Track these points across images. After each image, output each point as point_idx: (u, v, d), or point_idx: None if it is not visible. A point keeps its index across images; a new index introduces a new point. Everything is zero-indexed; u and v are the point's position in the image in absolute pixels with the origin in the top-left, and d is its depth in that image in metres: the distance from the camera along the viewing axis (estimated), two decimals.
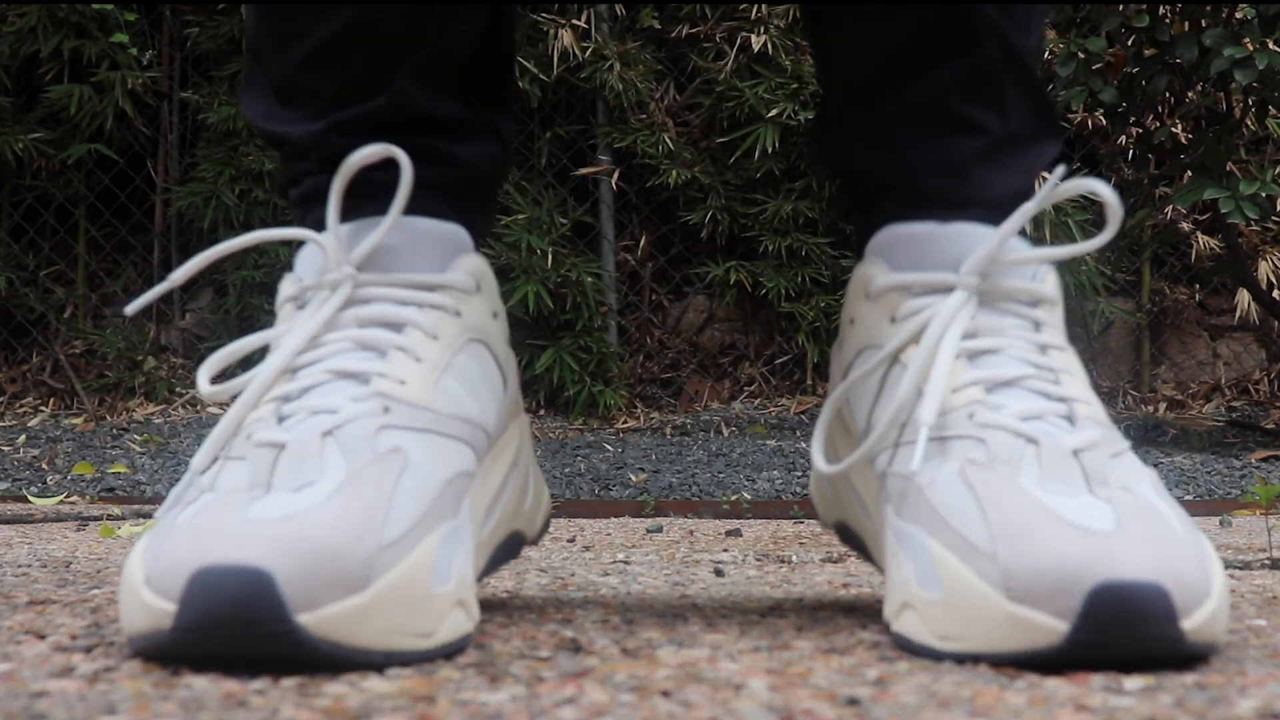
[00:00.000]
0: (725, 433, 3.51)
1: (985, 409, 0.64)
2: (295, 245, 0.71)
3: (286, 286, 0.70)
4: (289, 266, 0.71)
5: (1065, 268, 3.29)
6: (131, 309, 0.70)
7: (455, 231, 0.71)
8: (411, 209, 0.67)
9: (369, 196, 0.68)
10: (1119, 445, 0.64)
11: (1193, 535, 0.59)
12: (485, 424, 0.69)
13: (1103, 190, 0.64)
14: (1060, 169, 0.65)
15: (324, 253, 0.68)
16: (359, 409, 0.62)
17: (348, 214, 0.68)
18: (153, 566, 0.55)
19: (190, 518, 0.57)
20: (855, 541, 0.74)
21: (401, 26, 0.69)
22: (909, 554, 0.63)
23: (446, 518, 0.61)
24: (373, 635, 0.54)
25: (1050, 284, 0.69)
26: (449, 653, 0.58)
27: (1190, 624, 0.55)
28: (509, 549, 0.73)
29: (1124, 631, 0.54)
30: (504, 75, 0.75)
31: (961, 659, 0.57)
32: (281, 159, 0.75)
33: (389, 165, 0.67)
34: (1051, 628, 0.54)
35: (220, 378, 0.68)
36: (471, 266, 0.70)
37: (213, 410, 3.65)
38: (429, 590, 0.57)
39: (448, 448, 0.64)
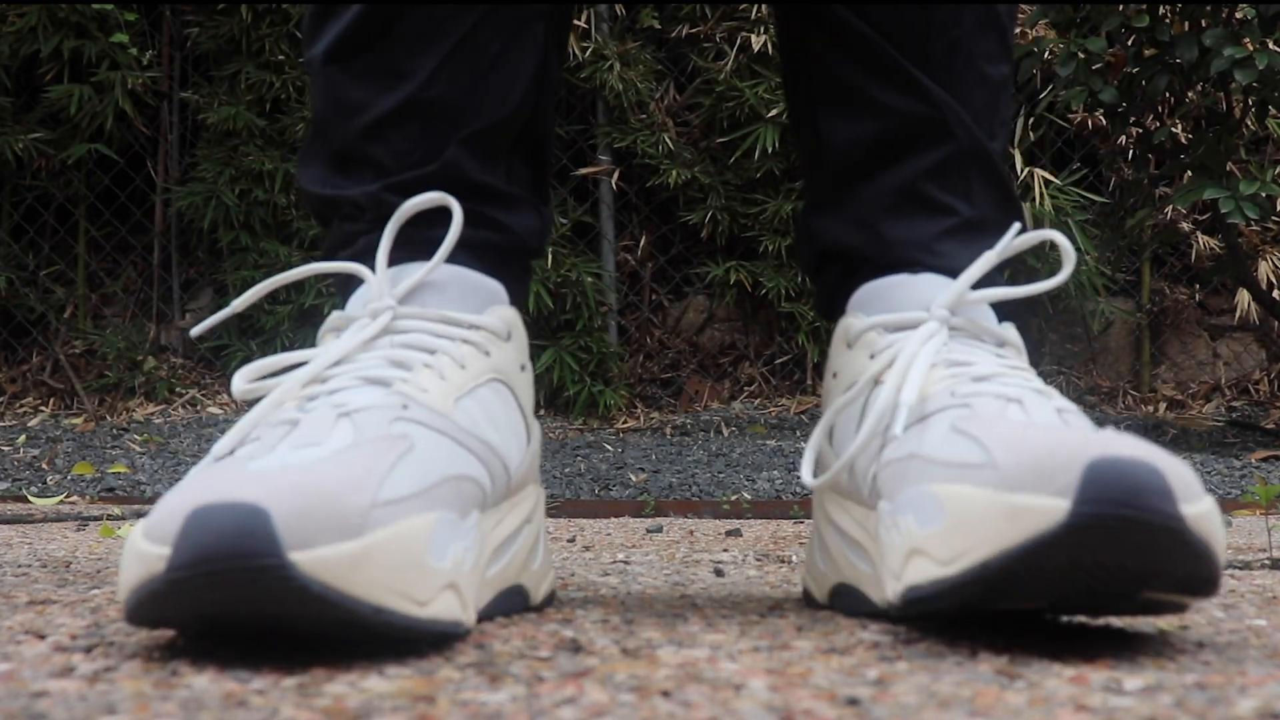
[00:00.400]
0: (725, 433, 3.51)
1: (965, 387, 0.68)
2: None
3: (330, 321, 0.74)
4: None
5: None
6: (196, 331, 0.75)
7: (494, 285, 0.76)
8: (456, 262, 0.73)
9: (417, 252, 0.73)
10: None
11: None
12: (505, 457, 0.72)
13: (1057, 238, 0.71)
14: (1016, 225, 0.74)
15: (369, 286, 0.72)
16: (379, 401, 0.65)
17: (396, 263, 0.73)
18: (150, 521, 0.55)
19: (191, 478, 0.59)
20: (855, 596, 0.73)
21: (454, 105, 0.76)
22: (907, 510, 0.64)
23: (447, 509, 0.63)
24: (364, 585, 0.54)
25: (1011, 332, 0.75)
26: (440, 633, 0.59)
27: (1189, 510, 0.55)
28: (512, 599, 0.73)
29: (1124, 501, 0.54)
30: (542, 163, 0.81)
31: (969, 577, 0.57)
32: (335, 224, 0.79)
33: (438, 224, 0.72)
34: (1053, 507, 0.55)
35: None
36: (506, 315, 0.75)
37: (212, 410, 3.65)
38: (423, 559, 0.58)
39: (458, 453, 0.67)
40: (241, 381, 0.69)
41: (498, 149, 0.77)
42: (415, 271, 0.73)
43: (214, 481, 0.55)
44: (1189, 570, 0.56)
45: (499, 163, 0.78)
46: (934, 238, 0.78)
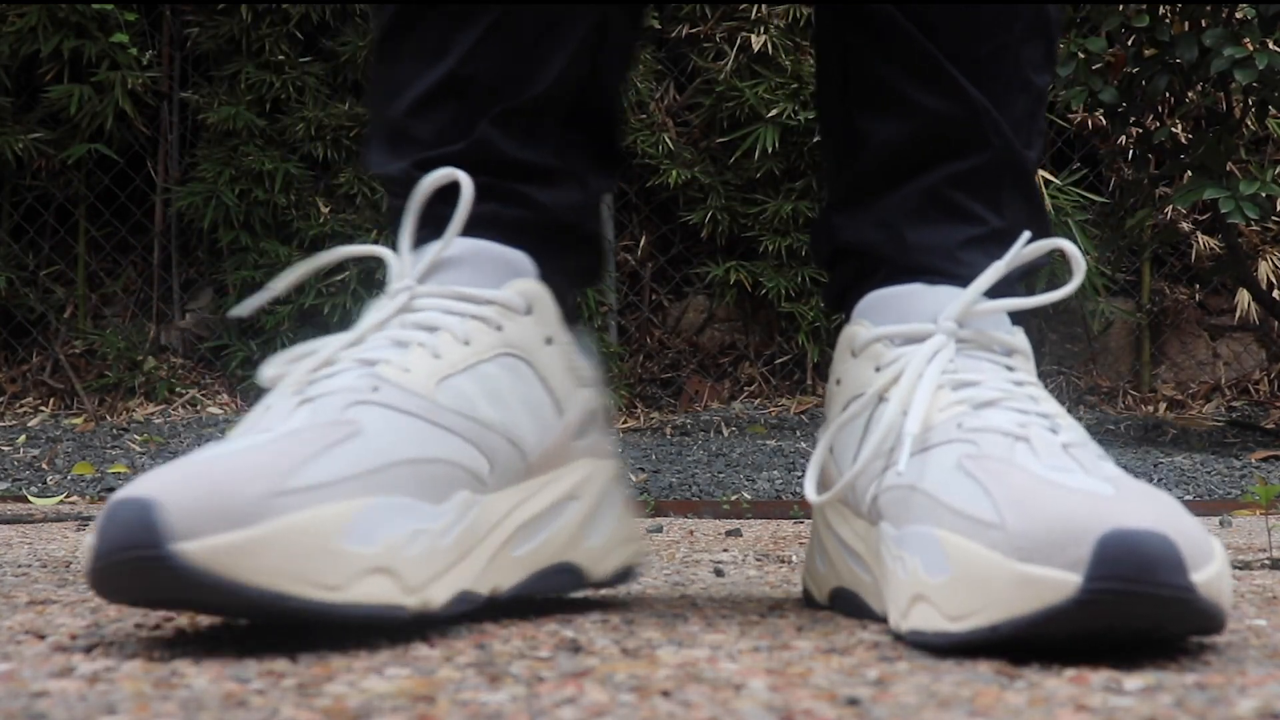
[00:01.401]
0: (725, 433, 3.51)
1: (971, 418, 0.67)
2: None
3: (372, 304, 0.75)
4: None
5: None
6: (239, 311, 0.76)
7: (519, 258, 0.74)
8: (485, 238, 0.73)
9: (445, 230, 0.73)
10: (1103, 453, 0.66)
11: (1188, 512, 0.60)
12: (512, 435, 0.71)
13: (1067, 247, 0.70)
14: (1026, 235, 0.72)
15: (391, 267, 0.73)
16: (348, 385, 0.66)
17: (423, 242, 0.73)
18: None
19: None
20: (854, 602, 0.74)
21: (489, 81, 0.75)
22: (914, 550, 0.63)
23: (396, 494, 0.62)
24: (261, 573, 0.56)
25: (1021, 338, 0.74)
26: (368, 617, 0.59)
27: (1200, 577, 0.55)
28: (559, 578, 0.73)
29: (1136, 578, 0.54)
30: (606, 135, 0.80)
31: (976, 637, 0.57)
32: (389, 203, 0.80)
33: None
34: (1064, 581, 0.55)
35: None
36: (525, 289, 0.74)
37: (212, 410, 3.65)
38: (335, 544, 0.58)
39: (430, 435, 0.66)
40: (270, 368, 0.70)
41: (544, 124, 0.76)
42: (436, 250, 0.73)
43: (146, 475, 0.58)
44: (1197, 628, 0.57)
45: (547, 138, 0.77)
46: (957, 245, 0.76)
